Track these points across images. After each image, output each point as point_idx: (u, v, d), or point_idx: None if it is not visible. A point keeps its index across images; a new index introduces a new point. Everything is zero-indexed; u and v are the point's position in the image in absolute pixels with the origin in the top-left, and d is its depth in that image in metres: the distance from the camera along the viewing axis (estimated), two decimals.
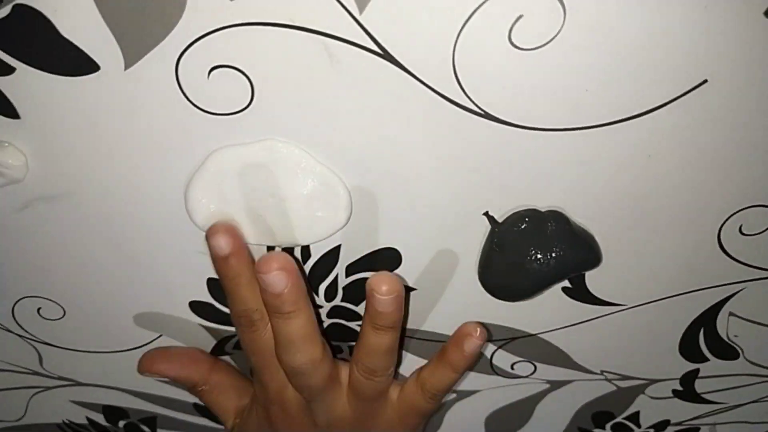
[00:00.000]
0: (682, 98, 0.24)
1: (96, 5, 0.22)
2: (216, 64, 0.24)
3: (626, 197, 0.28)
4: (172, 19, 0.22)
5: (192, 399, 0.40)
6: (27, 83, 0.24)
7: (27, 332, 0.36)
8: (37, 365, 0.39)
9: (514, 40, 0.23)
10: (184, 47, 0.23)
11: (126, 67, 0.24)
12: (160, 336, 0.36)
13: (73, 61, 0.24)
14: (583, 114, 0.25)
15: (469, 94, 0.24)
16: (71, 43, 0.23)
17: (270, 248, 0.30)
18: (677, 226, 0.29)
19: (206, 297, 0.33)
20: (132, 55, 0.23)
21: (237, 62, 0.24)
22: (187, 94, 0.25)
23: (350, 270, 0.31)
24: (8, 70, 0.24)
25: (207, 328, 0.35)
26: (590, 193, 0.28)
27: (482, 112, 0.25)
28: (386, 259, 0.31)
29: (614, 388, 0.38)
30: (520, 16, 0.22)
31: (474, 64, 0.23)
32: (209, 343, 0.36)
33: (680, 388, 0.38)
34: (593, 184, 0.27)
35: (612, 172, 0.27)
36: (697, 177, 0.27)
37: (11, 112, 0.26)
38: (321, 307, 0.33)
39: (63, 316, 0.35)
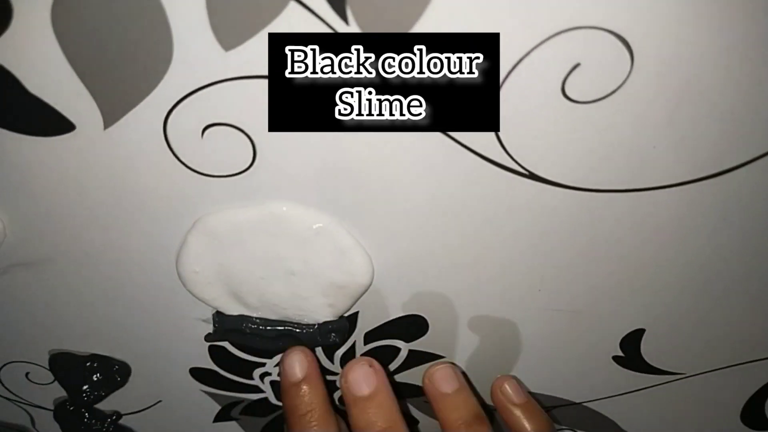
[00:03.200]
0: (765, 158, 0.20)
1: (67, 59, 0.19)
2: (211, 122, 0.20)
3: (693, 263, 0.24)
4: (157, 72, 0.19)
5: None
6: None
7: (16, 395, 0.33)
8: (30, 426, 0.35)
9: (568, 92, 0.19)
10: (171, 104, 0.19)
11: (106, 126, 0.20)
12: (160, 401, 0.32)
13: (44, 120, 0.20)
14: (650, 174, 0.21)
15: (512, 154, 0.20)
16: (40, 101, 0.20)
17: None
18: (750, 293, 0.25)
19: (208, 364, 0.30)
20: (111, 113, 0.20)
21: (235, 120, 0.20)
22: (179, 155, 0.21)
23: (369, 338, 0.28)
24: None
25: (210, 394, 0.32)
26: (652, 258, 0.24)
27: (527, 173, 0.21)
28: (411, 326, 0.27)
29: None
30: (577, 65, 0.18)
31: (519, 118, 0.19)
32: (213, 408, 0.33)
33: None
34: (657, 248, 0.23)
35: (679, 235, 0.23)
36: None
37: None
38: (336, 374, 0.30)
39: (53, 381, 0.31)
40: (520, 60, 0.18)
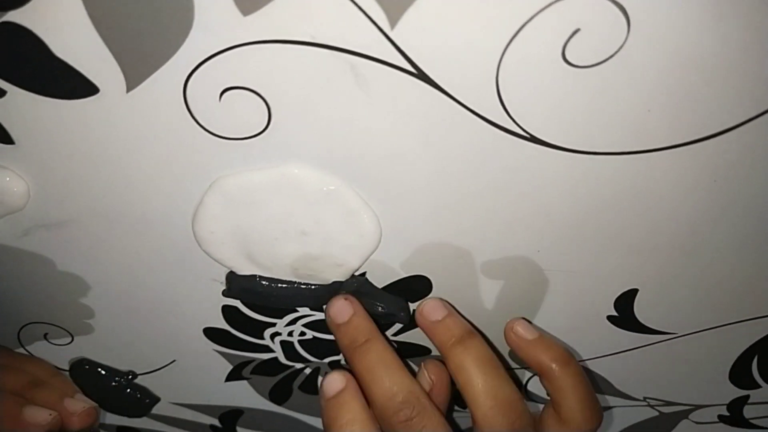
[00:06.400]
0: (756, 120, 0.21)
1: (92, 22, 0.19)
2: (228, 86, 0.21)
3: (686, 224, 0.25)
4: (178, 37, 0.20)
5: (209, 421, 0.39)
6: (19, 107, 0.22)
7: (34, 356, 0.34)
8: None
9: (568, 57, 0.20)
10: (192, 68, 0.20)
11: (128, 90, 0.21)
12: (174, 361, 0.34)
13: (68, 83, 0.21)
14: (645, 137, 0.22)
15: (514, 117, 0.21)
16: (66, 64, 0.21)
17: None
18: (739, 254, 0.26)
19: (221, 324, 0.31)
20: (134, 76, 0.21)
21: (252, 83, 0.21)
22: (197, 118, 0.22)
23: None
24: None
25: (222, 354, 0.33)
26: (647, 220, 0.25)
27: (528, 136, 0.22)
28: (416, 287, 0.28)
29: (656, 413, 0.36)
30: (577, 30, 0.19)
31: (521, 83, 0.20)
32: (225, 368, 0.34)
33: (727, 414, 0.36)
34: (651, 210, 0.24)
35: (672, 197, 0.24)
36: (763, 203, 0.24)
37: (4, 138, 0.23)
38: None
39: (71, 342, 0.33)
40: (524, 25, 0.19)
